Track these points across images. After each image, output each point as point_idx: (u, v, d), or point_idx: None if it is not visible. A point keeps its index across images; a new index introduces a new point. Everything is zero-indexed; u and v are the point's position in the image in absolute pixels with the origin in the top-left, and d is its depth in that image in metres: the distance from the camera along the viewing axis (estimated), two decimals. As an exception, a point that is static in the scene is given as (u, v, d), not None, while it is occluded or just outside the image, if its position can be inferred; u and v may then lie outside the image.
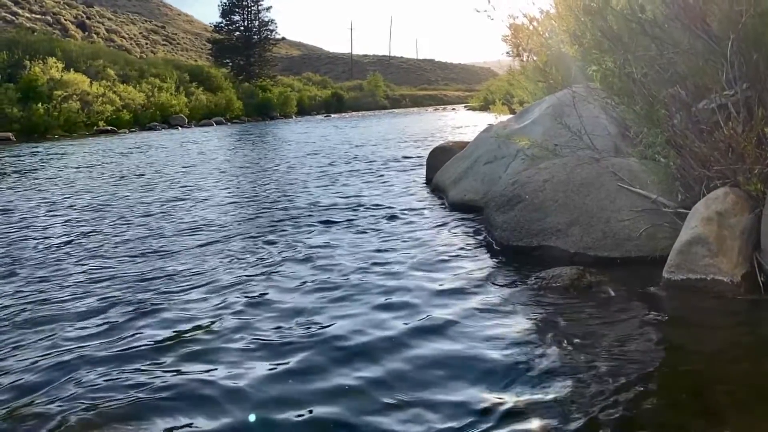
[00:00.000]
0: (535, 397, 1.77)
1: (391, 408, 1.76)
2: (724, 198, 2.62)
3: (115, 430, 1.69)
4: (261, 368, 2.06)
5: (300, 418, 1.74)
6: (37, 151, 13.46)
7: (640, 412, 1.65)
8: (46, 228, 4.80)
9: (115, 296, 2.90)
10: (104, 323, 2.53)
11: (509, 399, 1.77)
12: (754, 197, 2.66)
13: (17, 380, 2.03)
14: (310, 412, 1.76)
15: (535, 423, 1.64)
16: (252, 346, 2.25)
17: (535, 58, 5.79)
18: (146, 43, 53.17)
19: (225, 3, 44.39)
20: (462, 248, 3.52)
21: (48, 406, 1.84)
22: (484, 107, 25.58)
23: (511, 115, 7.17)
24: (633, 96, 3.18)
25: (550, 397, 1.76)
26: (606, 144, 3.87)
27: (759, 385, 1.80)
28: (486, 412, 1.70)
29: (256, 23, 45.17)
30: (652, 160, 3.19)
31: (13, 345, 2.35)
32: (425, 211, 4.76)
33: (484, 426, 1.64)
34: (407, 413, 1.73)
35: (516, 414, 1.69)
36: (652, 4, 2.98)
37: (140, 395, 1.88)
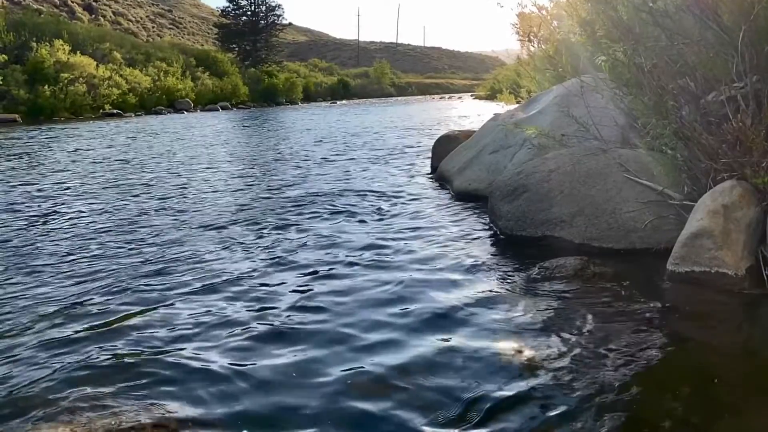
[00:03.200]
0: (536, 386, 1.78)
1: (392, 395, 1.77)
2: (731, 191, 2.60)
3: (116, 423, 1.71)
4: (264, 358, 2.07)
5: (305, 404, 1.75)
6: (43, 134, 13.48)
7: (641, 404, 1.66)
8: (46, 212, 4.82)
9: (116, 283, 2.92)
10: (106, 312, 2.53)
11: (510, 387, 1.78)
12: (761, 191, 2.65)
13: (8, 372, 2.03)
14: (312, 400, 1.78)
15: (534, 412, 1.65)
16: (254, 333, 2.26)
17: (543, 47, 5.75)
18: (153, 27, 52.97)
19: (232, -13, 44.11)
20: (466, 237, 3.53)
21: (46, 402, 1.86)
22: (491, 96, 25.44)
23: (518, 105, 7.14)
24: (642, 87, 3.15)
25: (551, 386, 1.77)
26: (613, 135, 3.85)
27: (762, 379, 1.80)
28: (485, 400, 1.72)
29: (263, 8, 44.90)
30: (659, 151, 3.17)
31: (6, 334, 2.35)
32: (430, 200, 4.76)
33: (483, 415, 1.65)
34: (405, 401, 1.74)
35: (516, 402, 1.70)
36: (664, -7, 2.95)
37: (144, 384, 1.90)
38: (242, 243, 3.57)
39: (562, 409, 1.65)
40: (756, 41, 2.62)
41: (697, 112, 2.90)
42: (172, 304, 2.55)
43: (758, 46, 2.62)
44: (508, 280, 2.75)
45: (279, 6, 46.17)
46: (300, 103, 36.31)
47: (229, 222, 4.17)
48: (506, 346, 2.05)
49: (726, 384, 1.78)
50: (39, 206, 4.99)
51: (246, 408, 1.73)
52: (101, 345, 2.14)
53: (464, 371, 1.89)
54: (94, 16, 44.69)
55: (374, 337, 2.17)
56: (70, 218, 4.47)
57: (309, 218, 4.21)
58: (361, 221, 4.07)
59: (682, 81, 2.97)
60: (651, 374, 1.81)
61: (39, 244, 3.68)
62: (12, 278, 2.99)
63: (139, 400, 1.76)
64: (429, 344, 2.09)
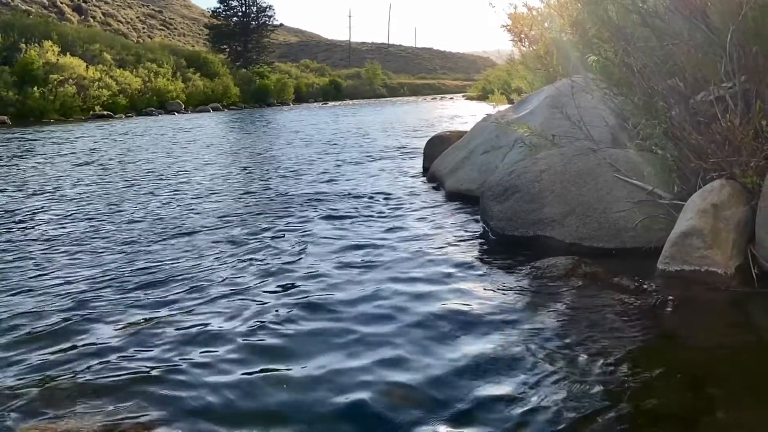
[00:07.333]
0: (527, 387, 1.78)
1: (386, 397, 1.77)
2: (720, 190, 2.62)
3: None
4: (258, 365, 2.06)
5: (301, 407, 1.75)
6: (33, 136, 13.37)
7: (632, 403, 1.66)
8: (35, 218, 4.78)
9: (103, 291, 2.89)
10: (94, 321, 2.49)
11: (502, 389, 1.78)
12: (749, 190, 2.67)
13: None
14: (312, 404, 1.78)
15: (524, 411, 1.65)
16: (248, 340, 2.25)
17: (534, 47, 5.78)
18: (143, 28, 52.71)
19: (223, -12, 43.96)
20: (457, 238, 3.53)
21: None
22: (483, 97, 25.52)
23: (509, 105, 7.17)
24: (632, 87, 3.17)
25: (542, 387, 1.78)
26: (603, 135, 3.87)
27: (751, 377, 1.81)
28: (477, 402, 1.72)
29: (254, 9, 44.81)
30: (649, 151, 3.19)
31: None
32: (421, 201, 4.76)
33: (477, 418, 1.65)
34: (398, 401, 1.74)
35: (509, 404, 1.70)
36: (653, -6, 2.97)
37: (134, 392, 1.89)
38: (234, 248, 3.55)
39: (552, 407, 1.65)
40: (744, 41, 2.64)
41: (687, 112, 2.92)
42: (162, 312, 2.52)
43: (746, 46, 2.65)
44: (500, 280, 2.75)
45: (270, 7, 46.23)
46: (291, 104, 36.21)
47: (220, 226, 4.15)
48: (498, 345, 2.05)
49: (716, 381, 1.79)
50: (17, 211, 4.94)
51: (240, 416, 1.72)
52: (92, 353, 2.12)
53: (454, 370, 1.89)
54: (83, 17, 44.41)
55: (368, 340, 2.17)
56: (48, 225, 4.43)
57: (300, 220, 4.20)
58: (353, 222, 4.06)
59: (672, 81, 2.99)
60: (641, 372, 1.82)
61: (21, 253, 3.64)
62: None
63: (128, 409, 1.74)
64: (422, 345, 2.09)
